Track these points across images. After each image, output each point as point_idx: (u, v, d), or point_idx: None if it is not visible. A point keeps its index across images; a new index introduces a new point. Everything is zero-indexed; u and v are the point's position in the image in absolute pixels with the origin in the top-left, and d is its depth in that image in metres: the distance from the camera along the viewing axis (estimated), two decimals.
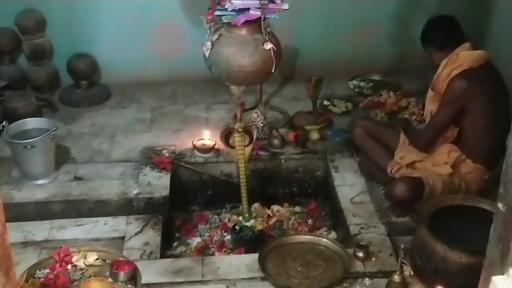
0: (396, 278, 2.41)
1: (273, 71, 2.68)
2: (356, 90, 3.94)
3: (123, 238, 2.75)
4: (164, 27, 3.87)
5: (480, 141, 2.71)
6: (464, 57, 2.71)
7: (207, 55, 2.76)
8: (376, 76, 4.07)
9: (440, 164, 2.75)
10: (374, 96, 3.77)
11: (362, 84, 4.01)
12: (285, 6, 2.73)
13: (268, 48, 2.60)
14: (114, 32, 3.86)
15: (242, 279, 2.51)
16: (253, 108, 3.45)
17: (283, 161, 3.27)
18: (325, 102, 3.73)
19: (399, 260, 2.41)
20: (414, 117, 3.50)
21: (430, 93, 2.89)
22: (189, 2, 3.78)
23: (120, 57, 3.92)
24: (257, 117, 3.37)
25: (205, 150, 3.24)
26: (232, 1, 2.71)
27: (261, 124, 3.36)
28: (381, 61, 4.10)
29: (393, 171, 2.86)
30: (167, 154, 3.21)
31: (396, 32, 4.05)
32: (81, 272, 2.22)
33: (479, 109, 2.66)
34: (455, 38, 2.78)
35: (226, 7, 2.72)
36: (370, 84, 4.01)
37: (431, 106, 2.86)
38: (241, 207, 2.98)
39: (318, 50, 4.02)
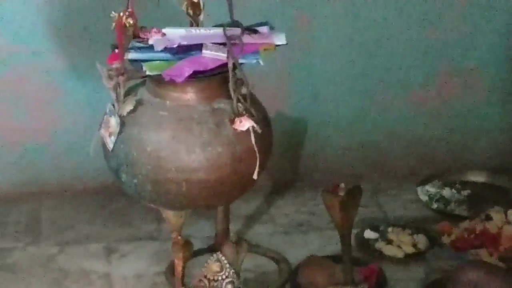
0: None
1: (255, 176, 2.90)
2: (435, 206, 4.22)
3: None
4: (10, 81, 4.16)
5: None
6: None
7: (110, 145, 3.00)
8: (477, 177, 4.40)
9: None
10: (475, 220, 3.99)
11: (447, 193, 4.30)
12: (280, 40, 3.02)
13: (244, 128, 2.86)
14: None
15: None
16: (211, 252, 3.63)
17: None
18: (369, 235, 3.98)
19: None
20: None
21: None
22: (68, 26, 4.09)
23: None
24: (221, 271, 3.53)
25: None
26: (164, 30, 2.99)
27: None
28: (485, 146, 4.46)
29: None
30: None
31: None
32: None
33: None
34: None
35: (151, 42, 3.00)
36: (465, 194, 4.30)
37: None
38: None
39: (349, 126, 4.37)
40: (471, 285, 3.16)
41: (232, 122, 2.91)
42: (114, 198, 4.06)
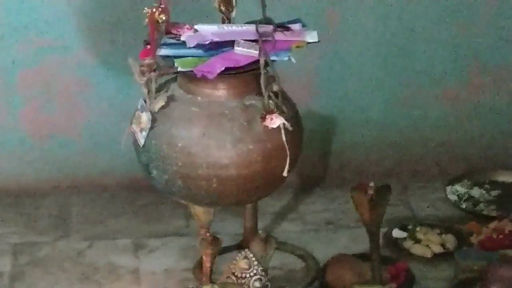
0: None
1: (285, 174, 2.91)
2: (464, 206, 4.22)
3: None
4: (42, 75, 4.20)
5: None
6: None
7: (141, 141, 3.02)
8: (506, 177, 4.39)
9: None
10: (504, 220, 4.00)
11: (476, 193, 4.31)
12: (312, 37, 3.03)
13: (274, 126, 2.87)
14: None
15: None
16: (239, 249, 3.67)
17: None
18: (397, 234, 3.99)
19: None
20: None
21: None
22: (100, 21, 4.13)
23: None
24: (249, 268, 3.55)
25: None
26: (196, 27, 3.00)
27: (258, 285, 3.53)
28: None
29: None
30: None
31: None
32: None
33: None
34: None
35: (183, 38, 3.02)
36: (494, 194, 4.31)
37: None
38: None
39: (380, 123, 4.39)
40: (504, 281, 3.16)
41: (263, 119, 2.92)
42: (143, 194, 4.09)
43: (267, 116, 2.91)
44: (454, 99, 4.38)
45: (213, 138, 2.92)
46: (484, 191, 4.30)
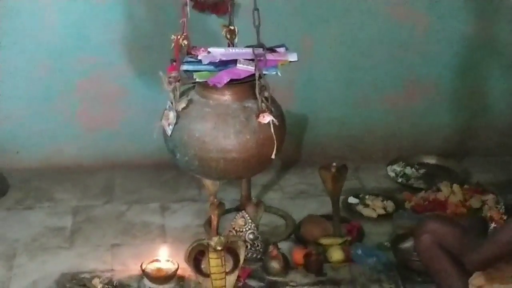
0: None
1: (273, 156, 2.92)
2: (400, 180, 4.25)
3: None
4: (94, 83, 4.18)
5: None
6: None
7: (169, 132, 3.01)
8: (431, 160, 4.41)
9: None
10: (428, 191, 4.03)
11: (408, 171, 4.32)
12: (293, 57, 3.03)
13: (265, 122, 2.87)
14: (10, 91, 4.15)
15: None
16: (237, 211, 3.68)
17: None
18: (352, 200, 4.00)
19: None
20: (493, 224, 3.69)
21: None
22: (137, 44, 4.12)
23: (23, 130, 4.21)
24: (245, 225, 3.56)
25: (161, 278, 3.38)
26: (209, 49, 2.99)
27: (251, 237, 3.54)
28: (437, 137, 4.48)
29: None
30: (99, 286, 3.35)
31: (460, 92, 4.45)
32: None
33: None
34: None
35: (199, 58, 3.02)
36: (421, 172, 4.33)
37: None
38: None
39: (339, 120, 4.38)
40: (430, 232, 3.15)
41: (257, 116, 2.91)
42: (167, 171, 4.07)
43: (260, 115, 2.90)
44: (393, 103, 4.39)
45: (221, 131, 2.91)
46: (414, 170, 4.32)
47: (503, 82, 4.41)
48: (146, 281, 3.36)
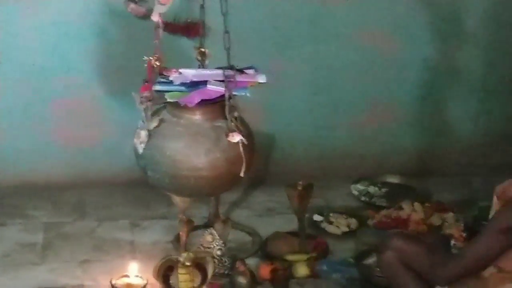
0: None
1: (242, 174, 2.95)
2: (363, 199, 4.30)
3: None
4: (68, 103, 4.20)
5: None
6: None
7: (140, 150, 3.03)
8: (393, 179, 4.47)
9: None
10: (391, 209, 4.08)
11: (371, 190, 4.38)
12: (262, 79, 3.07)
13: (235, 141, 2.91)
14: None
15: None
16: (206, 227, 3.69)
17: None
18: (317, 218, 4.03)
19: None
20: (453, 241, 3.76)
21: (494, 201, 3.07)
22: (111, 65, 4.14)
23: None
24: (213, 241, 3.58)
25: None
26: (180, 70, 3.03)
27: (219, 253, 3.56)
28: (399, 157, 4.55)
29: None
30: None
31: (422, 114, 4.55)
32: None
33: None
34: None
35: (171, 78, 3.04)
36: (384, 191, 4.38)
37: None
38: None
39: (306, 140, 4.44)
40: (393, 248, 3.20)
41: (227, 136, 2.96)
42: (138, 189, 4.04)
43: (230, 134, 2.95)
44: (357, 125, 4.45)
45: (192, 149, 2.95)
46: (377, 189, 4.37)
47: (463, 104, 4.51)
48: None
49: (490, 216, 2.99)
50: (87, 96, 4.18)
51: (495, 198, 2.98)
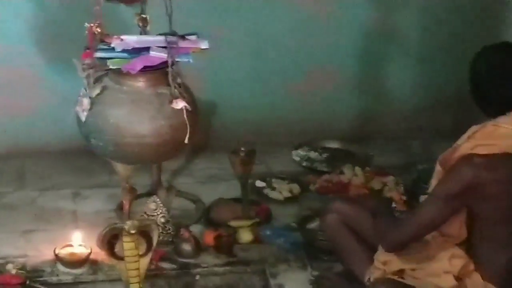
0: None
1: (186, 141, 2.94)
2: (304, 164, 4.33)
3: None
4: (8, 71, 4.12)
5: (496, 254, 2.93)
6: (504, 135, 2.83)
7: (83, 118, 3.00)
8: (334, 144, 4.52)
9: (439, 273, 3.00)
10: (332, 174, 4.14)
11: (312, 155, 4.41)
12: (204, 45, 3.06)
13: (179, 107, 2.90)
14: None
15: None
16: (149, 195, 3.68)
17: (198, 277, 3.45)
18: (259, 184, 4.06)
19: None
20: (394, 205, 3.82)
21: (437, 170, 3.06)
22: (51, 31, 4.07)
23: None
24: (156, 209, 3.58)
25: (74, 263, 3.38)
26: (122, 37, 2.99)
27: (163, 220, 3.56)
28: (340, 122, 4.60)
29: (371, 279, 3.10)
30: (13, 271, 3.32)
31: (361, 78, 4.59)
32: None
33: (498, 215, 2.87)
34: None
35: (113, 45, 3.01)
36: (325, 156, 4.42)
37: None
38: None
39: (247, 106, 4.45)
40: (337, 212, 3.24)
41: (171, 102, 2.95)
42: (80, 157, 4.01)
43: (173, 101, 2.94)
44: (297, 90, 4.47)
45: (135, 116, 2.93)
46: (318, 154, 4.40)
47: (403, 68, 4.56)
48: (59, 266, 3.35)
49: (432, 184, 3.02)
50: (27, 64, 4.10)
51: (438, 166, 3.02)
